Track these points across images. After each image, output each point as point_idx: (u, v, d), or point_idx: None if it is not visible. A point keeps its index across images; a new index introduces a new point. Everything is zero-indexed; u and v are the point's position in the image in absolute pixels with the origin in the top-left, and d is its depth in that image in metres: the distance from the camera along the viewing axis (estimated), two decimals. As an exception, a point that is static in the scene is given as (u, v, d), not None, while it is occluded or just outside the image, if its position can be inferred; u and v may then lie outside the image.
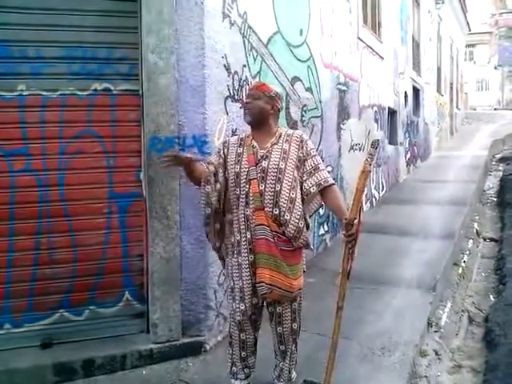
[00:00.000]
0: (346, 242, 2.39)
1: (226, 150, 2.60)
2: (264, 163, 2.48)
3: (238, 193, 2.52)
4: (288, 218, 2.44)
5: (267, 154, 2.50)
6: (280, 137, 2.56)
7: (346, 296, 2.44)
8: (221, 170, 2.57)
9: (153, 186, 3.18)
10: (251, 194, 2.47)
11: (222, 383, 2.86)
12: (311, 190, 2.52)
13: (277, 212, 2.44)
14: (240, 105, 3.56)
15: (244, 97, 2.66)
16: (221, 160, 2.59)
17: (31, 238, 3.13)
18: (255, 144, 2.54)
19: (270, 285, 2.45)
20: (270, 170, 2.46)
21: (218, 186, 2.54)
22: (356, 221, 2.34)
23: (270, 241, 2.45)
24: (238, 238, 2.53)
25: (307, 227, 2.58)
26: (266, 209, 2.45)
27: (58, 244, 3.17)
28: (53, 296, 3.18)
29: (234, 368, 2.72)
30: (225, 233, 2.63)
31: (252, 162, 2.49)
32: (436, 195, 8.18)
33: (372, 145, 2.37)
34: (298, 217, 2.47)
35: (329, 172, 2.69)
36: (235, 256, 2.57)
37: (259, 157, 2.50)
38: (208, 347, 3.34)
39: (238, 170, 2.52)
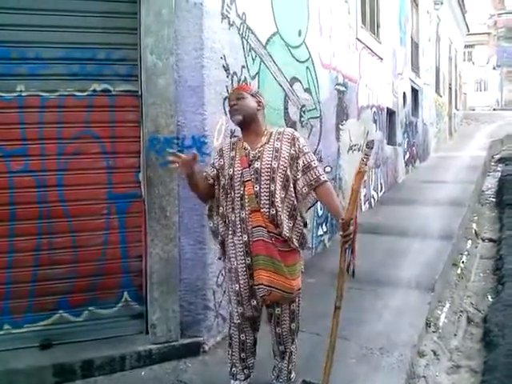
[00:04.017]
0: (342, 241, 2.39)
1: (222, 160, 2.59)
2: (257, 164, 2.46)
3: (232, 196, 2.51)
4: (282, 217, 2.44)
5: (259, 155, 2.48)
6: (271, 136, 2.54)
7: (345, 296, 2.45)
8: (216, 183, 2.59)
9: (152, 186, 3.18)
10: (246, 196, 2.45)
11: (221, 384, 2.87)
12: (303, 190, 2.51)
13: (273, 212, 2.43)
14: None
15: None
16: (215, 172, 2.59)
17: (31, 238, 3.13)
18: (246, 146, 2.52)
19: (268, 286, 2.44)
20: (263, 171, 2.45)
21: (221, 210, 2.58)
22: (352, 221, 2.34)
23: (268, 242, 2.44)
24: (234, 240, 2.52)
25: (305, 225, 2.56)
26: (262, 210, 2.44)
27: (58, 245, 3.17)
28: (52, 297, 3.19)
29: (233, 369, 2.72)
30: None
31: (245, 164, 2.48)
32: (435, 196, 8.19)
33: (367, 145, 2.36)
34: (287, 217, 2.47)
35: (326, 172, 2.68)
36: (232, 259, 2.55)
37: (251, 158, 2.48)
38: (207, 348, 3.34)
39: (231, 172, 2.50)
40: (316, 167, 2.53)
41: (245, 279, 2.50)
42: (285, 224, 2.45)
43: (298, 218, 2.51)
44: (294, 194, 2.49)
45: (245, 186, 2.46)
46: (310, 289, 3.95)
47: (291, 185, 2.48)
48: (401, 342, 3.39)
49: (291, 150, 2.50)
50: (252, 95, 2.55)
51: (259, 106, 2.56)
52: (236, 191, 2.49)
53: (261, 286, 2.45)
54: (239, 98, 2.52)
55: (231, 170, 2.51)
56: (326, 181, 2.53)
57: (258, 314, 2.63)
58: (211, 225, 2.66)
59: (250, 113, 2.52)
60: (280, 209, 2.43)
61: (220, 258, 2.71)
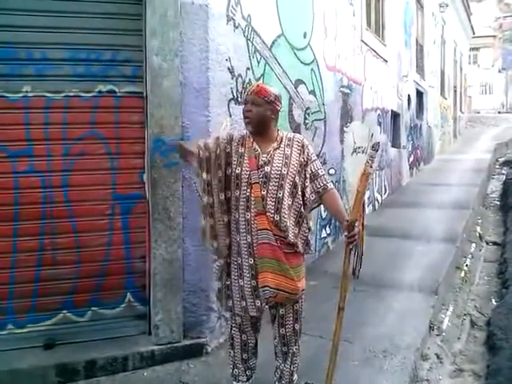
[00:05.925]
0: (347, 243, 2.40)
1: (229, 146, 2.53)
2: (266, 168, 2.45)
3: (237, 195, 2.49)
4: (288, 224, 2.44)
5: (269, 159, 2.46)
6: (281, 141, 2.53)
7: (348, 298, 2.45)
8: (216, 158, 2.50)
9: (156, 187, 3.19)
10: (253, 199, 2.44)
11: (224, 385, 2.87)
12: (311, 197, 2.53)
13: (278, 218, 2.42)
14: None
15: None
16: (218, 151, 2.51)
17: (35, 239, 3.14)
18: (257, 147, 2.50)
19: (275, 289, 2.44)
20: (272, 176, 2.44)
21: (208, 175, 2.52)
22: (357, 222, 2.35)
23: (274, 245, 2.43)
24: (238, 239, 2.50)
25: (309, 229, 2.57)
26: (267, 214, 2.43)
27: (62, 245, 3.19)
28: (56, 297, 3.20)
29: (235, 370, 2.73)
30: (218, 233, 2.57)
31: (253, 166, 2.46)
32: (439, 199, 8.17)
33: (372, 147, 2.37)
34: (293, 223, 2.48)
35: (330, 174, 2.69)
36: (234, 256, 2.54)
37: (261, 161, 2.46)
38: (209, 349, 3.34)
39: (239, 171, 2.48)
40: (323, 175, 2.57)
41: (248, 279, 2.50)
42: (290, 230, 2.45)
43: (304, 224, 2.53)
44: (301, 201, 2.50)
45: (252, 188, 2.44)
46: (313, 291, 3.94)
47: (299, 192, 2.49)
48: (404, 344, 3.39)
49: (300, 158, 2.51)
50: (269, 102, 2.47)
51: (274, 115, 2.51)
52: (242, 192, 2.47)
53: (267, 288, 2.44)
54: (254, 104, 2.46)
55: (239, 168, 2.48)
56: (332, 188, 2.56)
57: (260, 314, 2.61)
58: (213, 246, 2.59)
59: (262, 123, 2.49)
60: (286, 215, 2.43)
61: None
